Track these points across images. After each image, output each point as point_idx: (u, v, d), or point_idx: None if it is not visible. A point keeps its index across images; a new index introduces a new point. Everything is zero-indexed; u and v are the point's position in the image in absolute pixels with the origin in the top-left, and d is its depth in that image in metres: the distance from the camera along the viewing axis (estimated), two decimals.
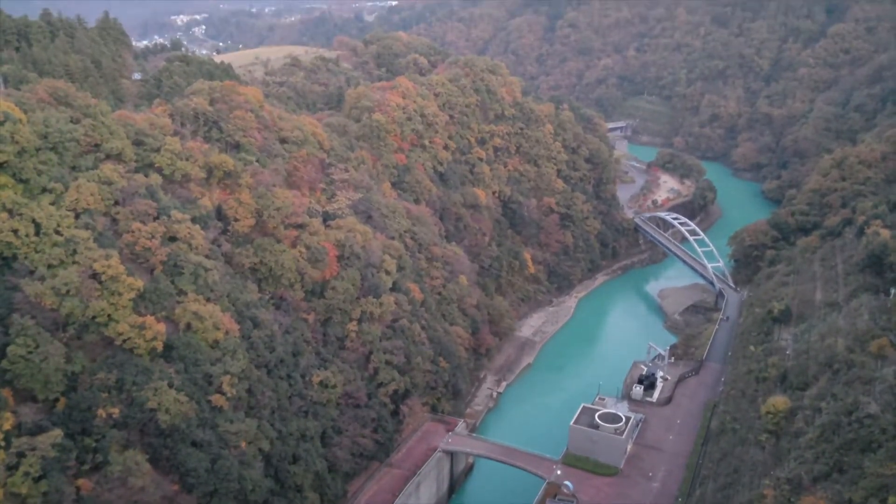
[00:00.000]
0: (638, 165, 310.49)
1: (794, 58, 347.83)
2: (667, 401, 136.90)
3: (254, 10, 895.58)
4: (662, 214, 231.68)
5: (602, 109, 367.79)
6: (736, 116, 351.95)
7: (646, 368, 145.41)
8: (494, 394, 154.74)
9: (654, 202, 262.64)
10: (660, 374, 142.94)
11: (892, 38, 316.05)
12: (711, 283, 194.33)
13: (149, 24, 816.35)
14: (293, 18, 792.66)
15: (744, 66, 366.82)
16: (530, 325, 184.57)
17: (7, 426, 78.20)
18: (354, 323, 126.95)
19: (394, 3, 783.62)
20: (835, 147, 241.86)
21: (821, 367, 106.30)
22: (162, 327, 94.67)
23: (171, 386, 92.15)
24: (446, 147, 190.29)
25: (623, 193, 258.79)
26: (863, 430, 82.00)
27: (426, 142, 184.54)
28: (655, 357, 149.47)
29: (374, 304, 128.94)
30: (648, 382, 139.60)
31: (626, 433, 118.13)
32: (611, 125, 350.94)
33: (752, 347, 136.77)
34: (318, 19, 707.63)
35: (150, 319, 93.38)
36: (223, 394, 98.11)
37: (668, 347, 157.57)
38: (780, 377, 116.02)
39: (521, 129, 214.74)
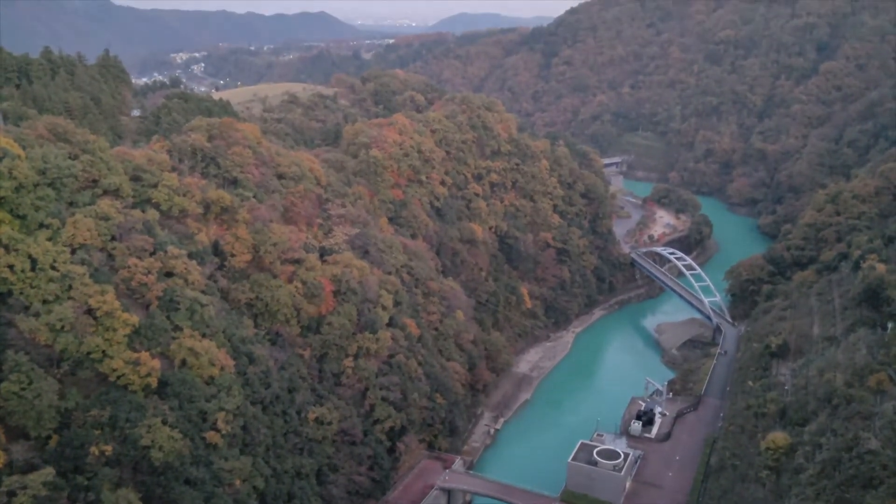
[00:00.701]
0: (634, 200, 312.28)
1: (786, 94, 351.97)
2: (665, 437, 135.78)
3: (252, 48, 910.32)
4: (659, 249, 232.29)
5: (597, 145, 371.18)
6: (730, 152, 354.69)
7: (644, 404, 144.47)
8: (492, 430, 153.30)
9: (651, 237, 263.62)
10: (658, 409, 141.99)
11: (883, 75, 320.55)
12: (708, 318, 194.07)
13: (148, 61, 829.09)
14: (291, 56, 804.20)
15: (737, 102, 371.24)
16: (527, 361, 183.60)
17: None
18: (350, 359, 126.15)
19: (391, 41, 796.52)
20: (829, 182, 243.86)
21: (820, 402, 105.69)
22: (157, 363, 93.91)
23: (165, 423, 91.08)
24: (443, 182, 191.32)
25: (619, 228, 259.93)
26: (863, 466, 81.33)
27: (423, 177, 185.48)
28: (653, 392, 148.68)
29: (371, 339, 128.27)
30: (647, 418, 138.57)
31: (624, 470, 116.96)
32: (606, 161, 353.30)
33: (750, 382, 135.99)
34: (316, 57, 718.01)
35: (144, 355, 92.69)
36: (218, 430, 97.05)
37: (666, 383, 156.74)
38: (780, 413, 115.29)
39: (517, 164, 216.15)
